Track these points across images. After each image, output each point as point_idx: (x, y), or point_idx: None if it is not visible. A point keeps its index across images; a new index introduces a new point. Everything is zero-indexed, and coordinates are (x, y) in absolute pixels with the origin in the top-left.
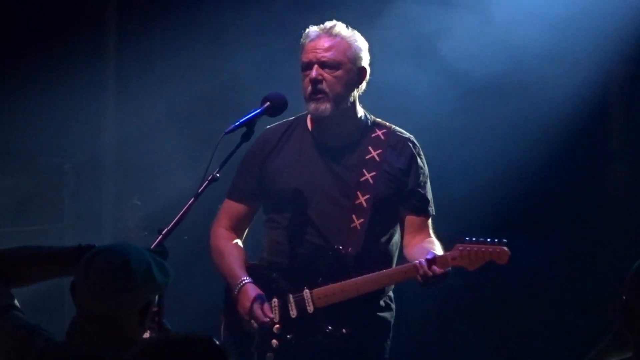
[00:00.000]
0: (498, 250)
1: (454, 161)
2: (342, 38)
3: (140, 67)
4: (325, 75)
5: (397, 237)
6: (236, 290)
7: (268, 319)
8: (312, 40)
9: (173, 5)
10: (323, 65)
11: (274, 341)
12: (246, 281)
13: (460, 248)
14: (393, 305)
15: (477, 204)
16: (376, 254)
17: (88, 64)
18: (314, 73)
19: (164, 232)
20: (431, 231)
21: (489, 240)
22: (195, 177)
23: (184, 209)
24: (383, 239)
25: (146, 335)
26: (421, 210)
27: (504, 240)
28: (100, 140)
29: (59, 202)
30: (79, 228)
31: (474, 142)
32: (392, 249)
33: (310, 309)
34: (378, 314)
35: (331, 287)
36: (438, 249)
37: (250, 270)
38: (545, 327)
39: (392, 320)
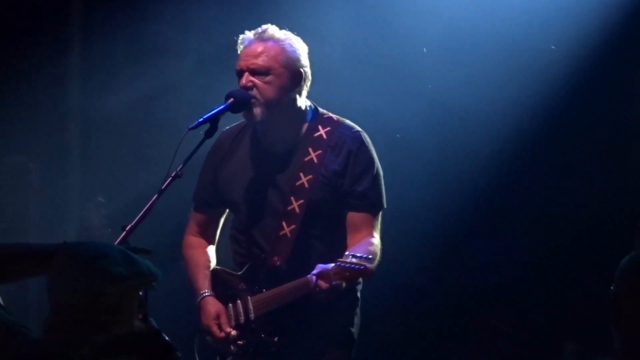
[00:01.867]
0: (362, 268)
1: (421, 159)
2: (275, 42)
3: (104, 60)
4: (256, 81)
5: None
6: (197, 302)
7: (223, 335)
8: (245, 47)
9: None
10: (253, 72)
11: (232, 347)
12: (205, 294)
13: (338, 263)
14: (354, 304)
15: (444, 204)
16: (314, 260)
17: (50, 60)
18: (243, 80)
19: (127, 229)
20: (374, 228)
21: (360, 256)
22: (160, 173)
23: (148, 206)
24: (322, 244)
25: None
26: (360, 208)
27: (370, 257)
28: (64, 137)
29: (24, 201)
30: (44, 227)
31: (439, 141)
32: (337, 253)
33: (252, 316)
34: (326, 317)
35: (264, 294)
36: (364, 251)
37: (214, 275)
38: (509, 325)
39: (352, 318)
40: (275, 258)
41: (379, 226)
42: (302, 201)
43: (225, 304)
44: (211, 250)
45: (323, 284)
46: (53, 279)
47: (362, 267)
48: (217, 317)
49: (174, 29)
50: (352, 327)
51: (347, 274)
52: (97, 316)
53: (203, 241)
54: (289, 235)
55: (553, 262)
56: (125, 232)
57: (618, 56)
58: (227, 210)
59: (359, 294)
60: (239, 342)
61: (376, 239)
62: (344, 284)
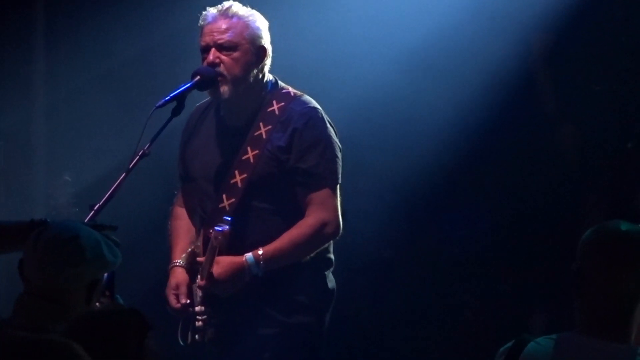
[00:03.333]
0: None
1: (384, 132)
2: (239, 18)
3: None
4: (223, 57)
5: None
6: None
7: (179, 306)
8: (209, 22)
9: None
10: (220, 47)
11: (198, 323)
12: (174, 264)
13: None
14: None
15: (409, 178)
16: (262, 232)
17: (15, 36)
18: (211, 57)
19: (95, 208)
20: (323, 205)
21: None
22: (126, 151)
23: (116, 184)
24: (278, 217)
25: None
26: (305, 185)
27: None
28: (28, 116)
29: None
30: (10, 206)
31: (404, 115)
32: (279, 228)
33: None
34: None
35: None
36: (290, 233)
37: (190, 252)
38: (476, 297)
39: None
40: (211, 231)
41: (331, 203)
42: (245, 175)
43: (186, 275)
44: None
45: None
46: (27, 259)
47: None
48: (176, 287)
49: (138, 4)
50: (325, 291)
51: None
52: (68, 297)
53: (187, 213)
54: (227, 208)
55: (519, 234)
56: (93, 211)
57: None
58: None
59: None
60: (204, 315)
61: (325, 214)
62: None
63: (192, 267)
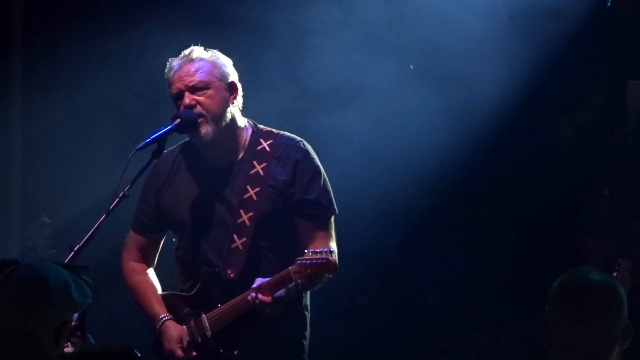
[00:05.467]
0: (325, 261)
1: (360, 177)
2: (204, 60)
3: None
4: (198, 98)
5: (301, 249)
6: (157, 327)
7: (194, 354)
8: (176, 71)
9: (80, 5)
10: (193, 89)
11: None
12: (165, 319)
13: (299, 261)
14: (303, 315)
15: (384, 223)
16: (267, 270)
17: None
18: (187, 100)
19: (75, 249)
20: (330, 234)
21: (321, 251)
22: (104, 191)
23: (96, 226)
24: (274, 254)
25: (68, 349)
26: (313, 216)
27: (332, 250)
28: (4, 155)
29: None
30: None
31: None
32: (289, 262)
33: (208, 333)
34: (280, 328)
35: (218, 309)
36: (323, 247)
37: (165, 300)
38: (450, 344)
39: (304, 330)
40: (229, 271)
41: (333, 232)
42: (251, 213)
43: (181, 326)
44: (153, 273)
45: (264, 297)
46: None
47: (324, 261)
48: (180, 340)
49: (115, 43)
50: (305, 340)
51: (309, 270)
52: (36, 338)
53: (144, 266)
54: (240, 247)
55: (493, 281)
56: (73, 252)
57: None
58: (167, 232)
59: (309, 306)
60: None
61: (332, 243)
62: (288, 295)
63: (177, 315)
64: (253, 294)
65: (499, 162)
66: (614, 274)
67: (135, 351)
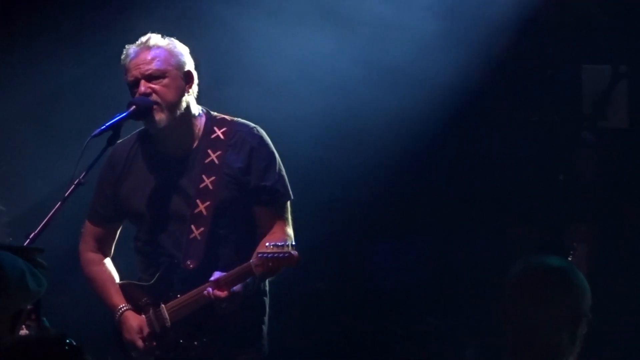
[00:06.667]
0: (287, 255)
1: (318, 162)
2: (161, 47)
3: None
4: (154, 86)
5: (259, 235)
6: (116, 317)
7: (148, 347)
8: (132, 58)
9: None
10: (149, 77)
11: (151, 358)
12: (124, 309)
13: (260, 254)
14: (262, 301)
15: (342, 209)
16: (227, 260)
17: None
18: (142, 88)
19: (31, 237)
20: (287, 220)
21: (282, 244)
22: (61, 179)
23: (51, 213)
24: (233, 243)
25: (23, 332)
26: (270, 203)
27: (294, 244)
28: None
29: None
30: None
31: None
32: (249, 250)
33: (168, 323)
34: (239, 316)
35: (177, 300)
36: (283, 239)
37: (123, 290)
38: (406, 329)
39: (262, 316)
40: (189, 262)
41: (289, 217)
42: (208, 203)
43: (140, 316)
44: (110, 263)
45: (219, 293)
46: None
47: (287, 254)
48: (140, 330)
49: (69, 32)
50: (264, 325)
51: (271, 264)
52: None
53: (101, 256)
54: (199, 237)
55: (452, 265)
56: (29, 239)
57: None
58: (123, 222)
59: (268, 292)
60: (157, 351)
61: (289, 229)
62: (245, 290)
63: (136, 304)
64: (209, 289)
65: (455, 149)
66: (569, 258)
67: (70, 339)
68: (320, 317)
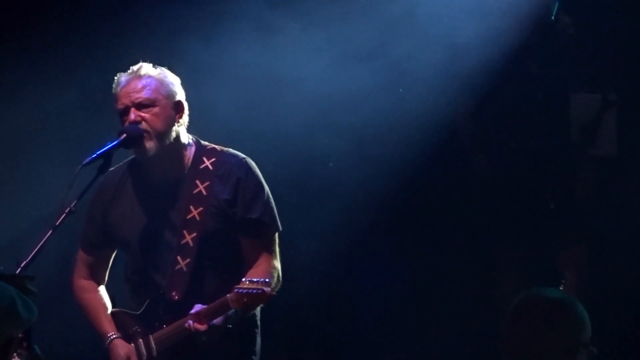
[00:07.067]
0: (260, 292)
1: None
2: (152, 77)
3: None
4: (144, 115)
5: (245, 267)
6: (105, 345)
7: None
8: (123, 86)
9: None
10: (139, 106)
11: None
12: (113, 337)
13: (236, 290)
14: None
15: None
16: (211, 291)
17: None
18: (132, 116)
19: (22, 265)
20: (273, 252)
21: (257, 280)
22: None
23: (43, 241)
24: (218, 274)
25: None
26: (256, 235)
27: (267, 280)
28: None
29: None
30: None
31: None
32: (235, 281)
33: (154, 353)
34: (227, 346)
35: (164, 331)
36: (262, 275)
37: (114, 317)
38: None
39: (252, 346)
40: (173, 293)
41: (277, 249)
42: (195, 234)
43: (129, 344)
44: (103, 291)
45: (199, 326)
46: None
47: (259, 291)
48: (128, 358)
49: (57, 60)
50: (254, 356)
51: (245, 299)
52: None
53: (94, 283)
54: (184, 269)
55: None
56: (20, 268)
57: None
58: (116, 249)
59: (258, 321)
60: None
61: (275, 262)
62: (226, 322)
63: (126, 333)
64: (190, 322)
65: (445, 170)
66: (560, 287)
67: None
68: (309, 342)
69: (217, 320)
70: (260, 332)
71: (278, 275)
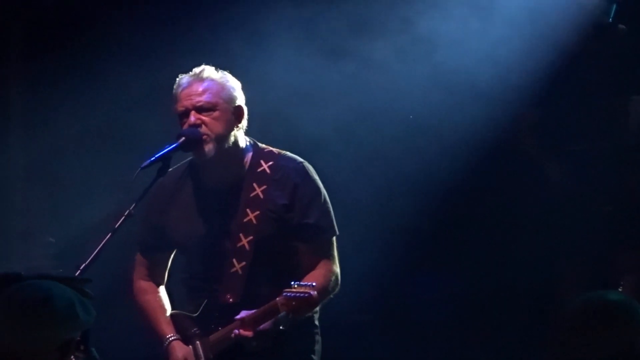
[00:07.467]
0: (307, 295)
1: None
2: (213, 80)
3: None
4: (204, 118)
5: (302, 271)
6: (164, 347)
7: None
8: (184, 88)
9: (78, 28)
10: (200, 109)
11: None
12: (172, 339)
13: (285, 293)
14: (310, 332)
15: (384, 241)
16: (268, 294)
17: None
18: (192, 118)
19: (81, 268)
20: (331, 256)
21: (305, 284)
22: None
23: (102, 244)
24: (274, 278)
25: None
26: (313, 240)
27: (314, 284)
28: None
29: None
30: None
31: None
32: (289, 286)
33: (210, 355)
34: (285, 346)
35: (219, 333)
36: (312, 279)
37: (173, 320)
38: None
39: (312, 346)
40: (228, 296)
41: (335, 252)
42: (251, 237)
43: (187, 346)
44: (163, 292)
45: (245, 332)
46: None
47: (306, 295)
48: None
49: (116, 62)
50: (314, 355)
51: (294, 303)
52: (40, 358)
53: (153, 285)
54: (240, 272)
55: (493, 298)
56: (79, 270)
57: None
58: (175, 250)
59: (316, 322)
60: None
61: (333, 266)
62: (276, 326)
63: (185, 335)
64: (236, 330)
65: (499, 177)
66: (619, 289)
67: None
68: (362, 349)
69: (265, 325)
70: (320, 332)
71: (336, 279)
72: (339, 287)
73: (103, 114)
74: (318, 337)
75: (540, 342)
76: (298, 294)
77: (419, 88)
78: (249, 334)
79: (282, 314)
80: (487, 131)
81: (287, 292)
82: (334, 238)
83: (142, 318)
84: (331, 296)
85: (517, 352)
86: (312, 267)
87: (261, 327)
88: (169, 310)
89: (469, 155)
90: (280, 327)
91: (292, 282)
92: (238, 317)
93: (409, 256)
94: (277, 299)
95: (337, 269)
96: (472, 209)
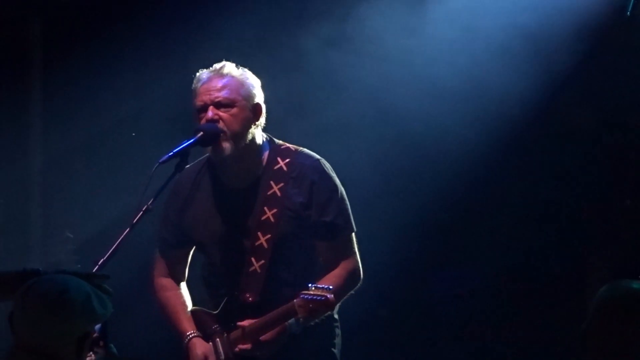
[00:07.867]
0: (323, 299)
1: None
2: (233, 77)
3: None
4: (222, 114)
5: (321, 269)
6: (184, 344)
7: None
8: (204, 83)
9: (97, 27)
10: (218, 105)
11: None
12: (192, 336)
13: (302, 296)
14: (332, 327)
15: (404, 235)
16: (286, 292)
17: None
18: (210, 114)
19: (100, 263)
20: (350, 252)
21: (322, 287)
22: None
23: (120, 240)
24: (292, 276)
25: (91, 358)
26: (331, 238)
27: (331, 287)
28: (25, 174)
29: None
30: (7, 262)
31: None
32: (308, 283)
33: (230, 353)
34: (305, 343)
35: (239, 330)
36: (329, 282)
37: (194, 316)
38: (471, 356)
39: (332, 339)
40: (247, 294)
41: (354, 248)
42: (269, 236)
43: (207, 343)
44: (184, 288)
45: (243, 346)
46: (16, 313)
47: (323, 298)
48: (205, 358)
49: (133, 61)
50: (334, 348)
51: (311, 305)
52: (58, 351)
53: (173, 281)
54: (258, 270)
55: (515, 292)
56: (98, 266)
57: None
58: (192, 247)
59: (336, 315)
60: None
61: (353, 262)
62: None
63: (205, 332)
64: (236, 349)
65: (519, 172)
66: None
67: None
68: (383, 344)
69: (267, 336)
70: (340, 326)
71: (356, 275)
72: (361, 281)
73: (122, 112)
74: (338, 331)
75: (571, 334)
76: (315, 297)
77: (439, 80)
78: (247, 347)
79: (292, 321)
80: (504, 122)
81: (304, 294)
82: (353, 234)
83: (162, 314)
84: (352, 292)
85: (539, 346)
86: (331, 264)
87: (263, 337)
88: (189, 307)
89: (491, 149)
90: (293, 332)
91: (309, 284)
92: (240, 324)
93: (427, 251)
94: (295, 300)
95: (358, 264)
96: (493, 203)
